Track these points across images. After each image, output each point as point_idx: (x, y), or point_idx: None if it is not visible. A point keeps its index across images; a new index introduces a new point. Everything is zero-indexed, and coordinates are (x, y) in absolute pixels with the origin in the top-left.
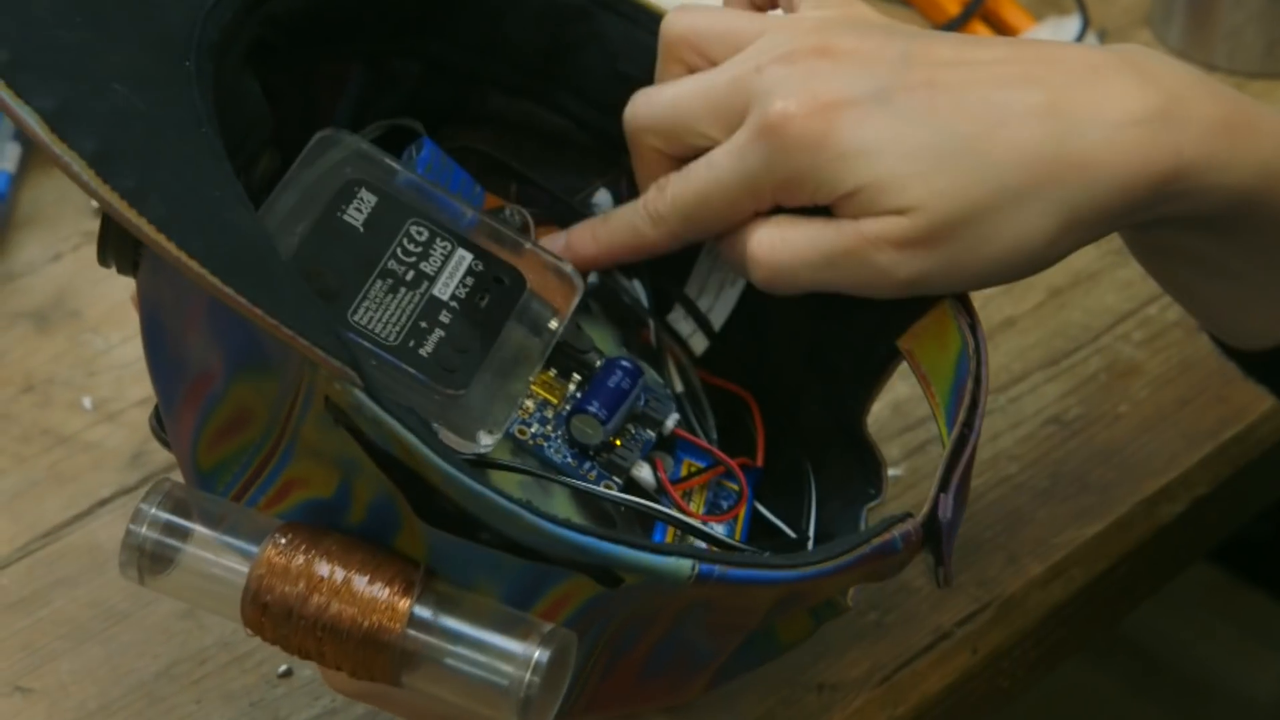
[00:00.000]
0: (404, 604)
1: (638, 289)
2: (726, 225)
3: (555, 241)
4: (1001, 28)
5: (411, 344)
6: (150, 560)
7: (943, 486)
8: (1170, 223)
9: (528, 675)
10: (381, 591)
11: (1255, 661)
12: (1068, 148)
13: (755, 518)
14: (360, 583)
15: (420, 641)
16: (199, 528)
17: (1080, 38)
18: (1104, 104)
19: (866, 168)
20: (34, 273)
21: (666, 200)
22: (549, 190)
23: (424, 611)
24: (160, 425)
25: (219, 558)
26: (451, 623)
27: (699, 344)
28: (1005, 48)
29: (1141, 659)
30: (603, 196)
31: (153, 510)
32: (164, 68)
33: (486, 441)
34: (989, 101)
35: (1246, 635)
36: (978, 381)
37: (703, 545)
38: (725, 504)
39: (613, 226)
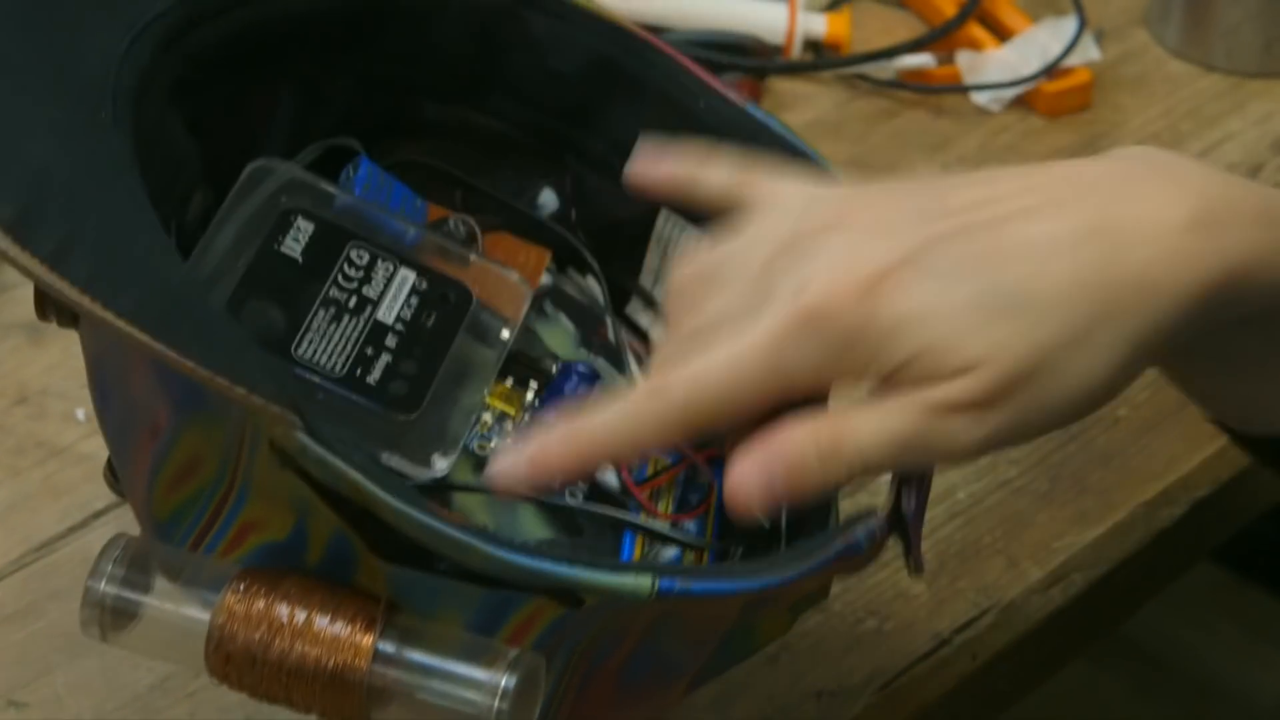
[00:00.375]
0: (367, 640)
1: (592, 285)
2: (741, 420)
3: (518, 453)
4: (998, 29)
5: (359, 372)
6: (112, 616)
7: (905, 479)
8: (1220, 327)
9: (496, 702)
10: (344, 629)
11: (1259, 661)
12: (1119, 270)
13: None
14: (322, 622)
15: (387, 677)
16: (158, 580)
17: (1077, 38)
18: (1144, 217)
19: (919, 334)
20: (27, 284)
21: (676, 399)
22: (494, 195)
23: (388, 646)
24: (114, 476)
25: (180, 609)
26: (417, 655)
27: (659, 335)
28: (1020, 178)
29: (1144, 659)
30: (547, 196)
31: (110, 566)
32: (79, 117)
33: (442, 465)
34: (1027, 238)
35: (1250, 634)
36: None
37: (671, 551)
38: (696, 498)
39: (594, 431)
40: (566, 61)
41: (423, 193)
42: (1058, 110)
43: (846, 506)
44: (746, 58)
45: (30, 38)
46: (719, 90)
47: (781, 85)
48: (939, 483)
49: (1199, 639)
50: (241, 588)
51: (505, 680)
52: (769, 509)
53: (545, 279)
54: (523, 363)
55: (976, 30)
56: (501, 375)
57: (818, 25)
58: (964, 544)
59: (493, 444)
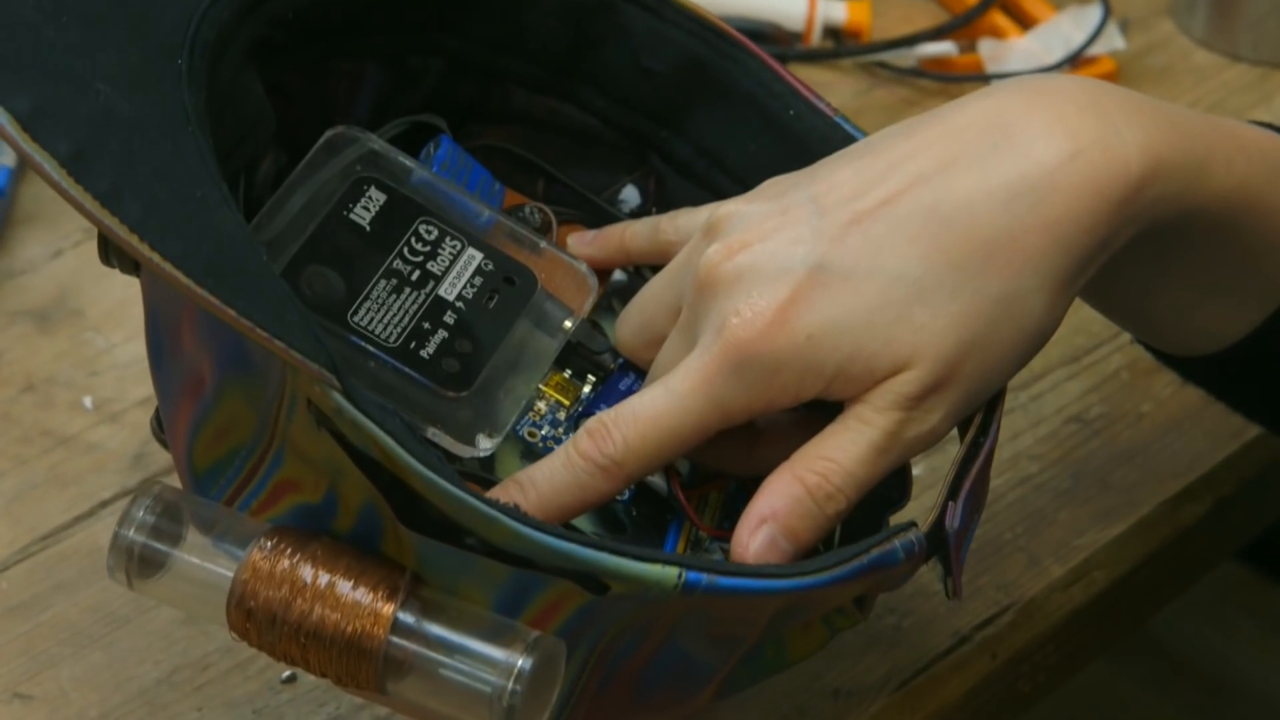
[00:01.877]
0: (388, 609)
1: None
2: (687, 452)
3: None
4: (1021, 17)
5: (413, 345)
6: (139, 564)
7: (951, 494)
8: (1144, 240)
9: (510, 683)
10: (366, 597)
11: None
12: (1023, 217)
13: None
14: (344, 588)
15: (404, 648)
16: (189, 532)
17: (1101, 27)
18: (1032, 156)
19: (839, 346)
20: (35, 270)
21: (618, 446)
22: (575, 188)
23: (408, 618)
24: (160, 427)
25: (207, 562)
26: (436, 629)
27: None
28: (901, 141)
29: (1164, 657)
30: (629, 193)
31: (141, 513)
32: (154, 66)
33: (486, 445)
34: (922, 208)
35: (1271, 633)
36: (995, 396)
37: (714, 559)
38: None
39: (543, 491)
40: (659, 59)
41: (504, 179)
42: None
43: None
44: (766, 45)
45: None
46: (810, 99)
47: (801, 73)
48: None
49: (1219, 637)
50: (269, 545)
51: (522, 661)
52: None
53: (618, 275)
54: (583, 355)
55: (999, 18)
56: (560, 365)
57: (838, 12)
58: (984, 541)
59: (543, 431)
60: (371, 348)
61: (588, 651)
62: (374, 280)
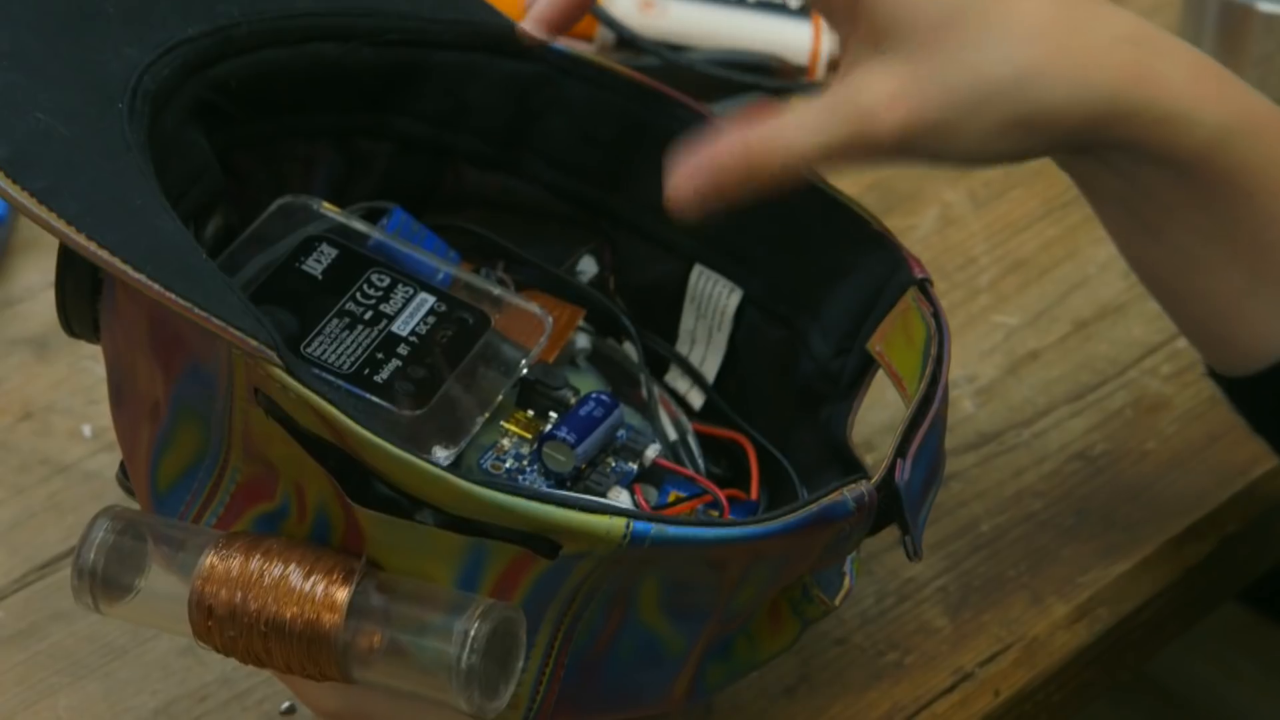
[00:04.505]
0: (342, 594)
1: (630, 350)
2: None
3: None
4: None
5: (366, 371)
6: (104, 587)
7: (899, 452)
8: (1139, 159)
9: (465, 651)
10: (319, 584)
11: None
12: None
13: None
14: (298, 577)
15: (363, 631)
16: (151, 549)
17: None
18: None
19: None
20: (33, 298)
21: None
22: (534, 263)
23: (363, 600)
24: (125, 475)
25: (173, 578)
26: (392, 609)
27: (697, 399)
28: None
29: (1164, 698)
30: (586, 263)
31: (101, 534)
32: (93, 107)
33: (441, 455)
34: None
35: (1271, 674)
36: (939, 360)
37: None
38: None
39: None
40: (601, 126)
41: (469, 260)
42: None
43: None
44: (770, 78)
45: (57, 40)
46: None
47: None
48: (962, 515)
49: (1219, 678)
50: (224, 547)
51: (475, 627)
52: (702, 209)
53: (581, 340)
54: (541, 393)
55: None
56: (523, 405)
57: None
58: (987, 577)
59: (507, 464)
60: (327, 375)
61: (552, 631)
62: (326, 319)
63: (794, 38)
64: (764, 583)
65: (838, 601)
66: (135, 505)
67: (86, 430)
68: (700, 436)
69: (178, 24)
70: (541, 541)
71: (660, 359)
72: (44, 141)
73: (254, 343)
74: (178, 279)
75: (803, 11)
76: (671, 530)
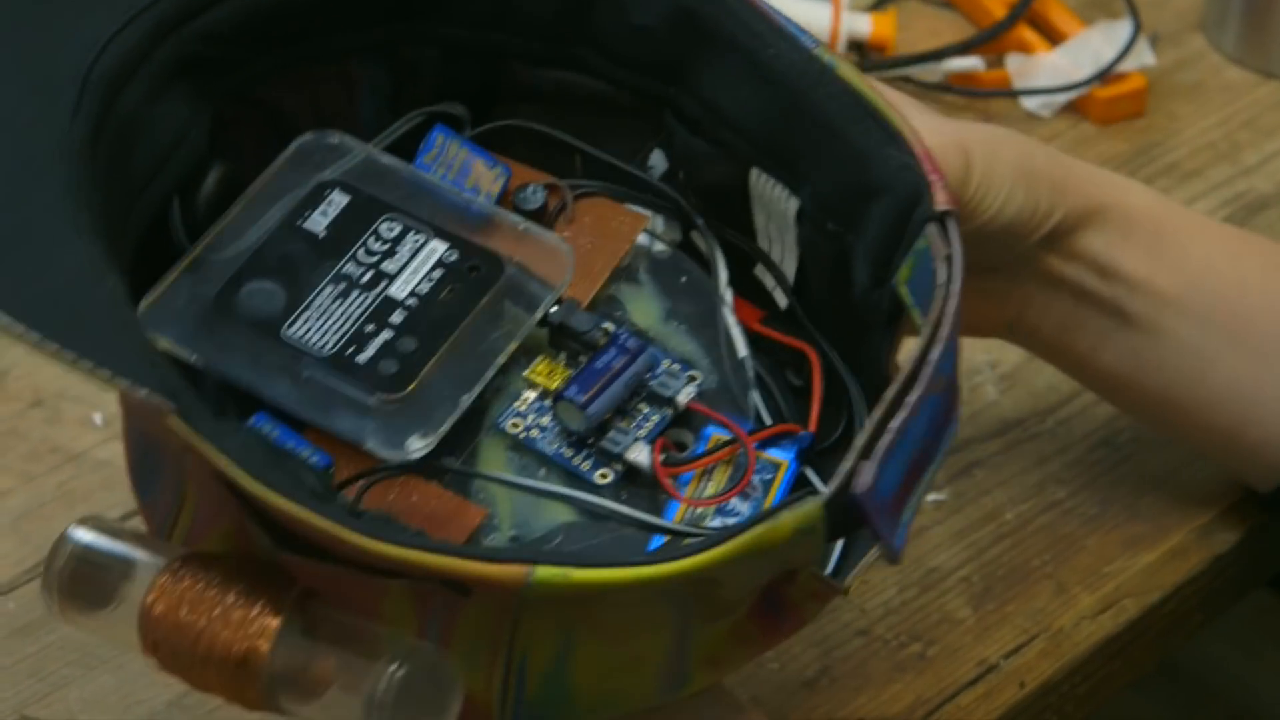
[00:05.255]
0: (273, 624)
1: (715, 251)
2: None
3: None
4: (1049, 31)
5: (349, 351)
6: (71, 600)
7: (864, 452)
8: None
9: (378, 692)
10: (252, 612)
11: None
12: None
13: (804, 483)
14: (235, 605)
15: (289, 662)
16: (119, 564)
17: (1131, 43)
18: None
19: None
20: None
21: None
22: (604, 159)
23: (292, 632)
24: None
25: (134, 593)
26: (319, 644)
27: (782, 299)
28: None
29: (1190, 685)
30: (656, 158)
31: (71, 545)
32: (31, 106)
33: (417, 446)
34: None
35: None
36: (936, 325)
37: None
38: (768, 477)
39: None
40: (649, 14)
41: (538, 159)
42: (1110, 117)
43: None
44: None
45: (1, 24)
46: (789, 32)
47: None
48: (985, 503)
49: (1245, 665)
50: (176, 568)
51: (392, 669)
52: None
53: (644, 240)
54: (568, 335)
55: (1027, 33)
56: (555, 350)
57: (862, 26)
58: (1011, 567)
59: (528, 420)
60: (305, 360)
61: (505, 660)
62: (318, 289)
63: (813, 18)
64: (733, 593)
65: (848, 581)
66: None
67: (97, 418)
68: (775, 345)
69: None
70: (453, 584)
71: (744, 257)
72: None
73: (143, 392)
74: (62, 326)
75: None
76: (577, 574)
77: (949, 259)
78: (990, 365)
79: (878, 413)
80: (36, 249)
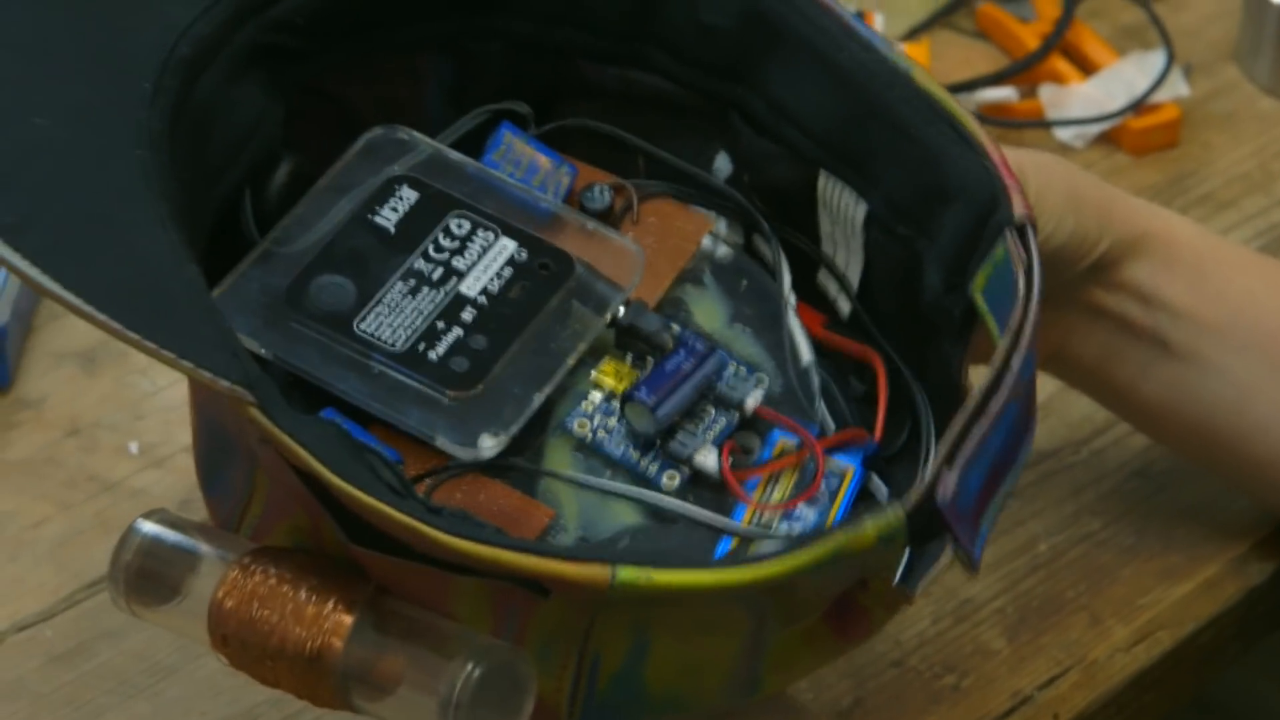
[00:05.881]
0: (346, 620)
1: (777, 254)
2: None
3: None
4: (1082, 62)
5: (421, 347)
6: (137, 593)
7: (948, 459)
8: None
9: (455, 692)
10: (325, 608)
11: None
12: None
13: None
14: (308, 601)
15: (362, 659)
16: (185, 558)
17: (1165, 73)
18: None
19: None
20: None
21: None
22: (668, 160)
23: (365, 628)
24: None
25: (202, 587)
26: (393, 641)
27: (845, 306)
28: None
29: (1224, 718)
30: (721, 160)
31: (139, 539)
32: (107, 94)
33: (489, 444)
34: None
35: None
36: (1017, 334)
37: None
38: (834, 484)
39: None
40: (719, 13)
41: (601, 159)
42: (1144, 148)
43: None
44: None
45: (83, 15)
46: (862, 35)
47: None
48: (1020, 534)
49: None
50: (247, 563)
51: (469, 669)
52: None
53: (708, 244)
54: (637, 336)
55: (1060, 63)
56: (622, 351)
57: None
58: (1046, 598)
59: (595, 421)
60: (376, 355)
61: (577, 661)
62: (389, 284)
63: None
64: (808, 600)
65: (920, 587)
66: None
67: (133, 447)
68: (839, 351)
69: None
70: (530, 584)
71: (805, 264)
72: (29, 158)
73: (225, 383)
74: (144, 314)
75: None
76: (660, 575)
77: (1029, 268)
78: None
79: (960, 420)
80: (118, 236)
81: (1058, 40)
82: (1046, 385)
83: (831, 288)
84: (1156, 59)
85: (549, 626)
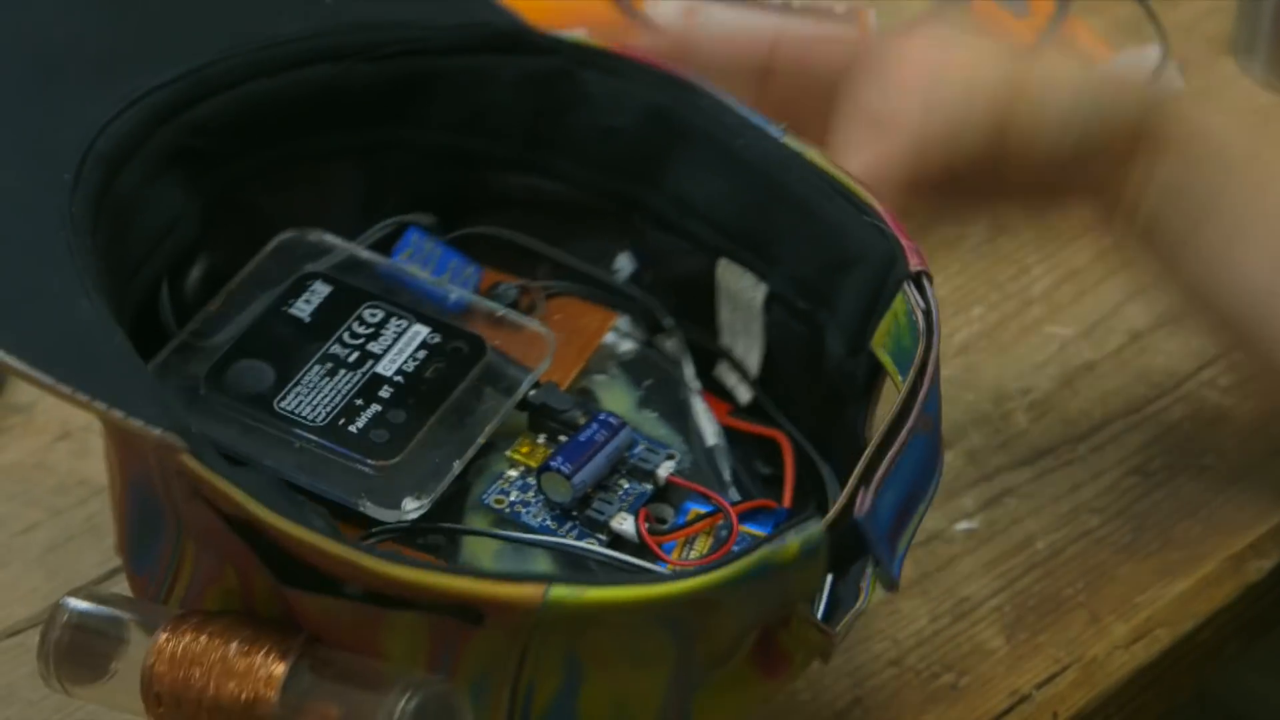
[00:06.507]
0: (279, 670)
1: (679, 348)
2: None
3: None
4: None
5: (341, 422)
6: (70, 669)
7: (863, 479)
8: None
9: None
10: (257, 660)
11: None
12: None
13: None
14: (238, 655)
15: (298, 708)
16: (116, 632)
17: (1160, 67)
18: None
19: None
20: None
21: None
22: (569, 264)
23: (299, 676)
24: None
25: (134, 658)
26: (327, 685)
27: (744, 394)
28: None
29: (1223, 715)
30: (623, 261)
31: (67, 615)
32: (33, 182)
33: (412, 506)
34: None
35: None
36: (921, 369)
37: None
38: (737, 549)
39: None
40: (622, 117)
41: (505, 264)
42: None
43: None
44: None
45: (9, 109)
46: (756, 124)
47: None
48: (1016, 532)
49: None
50: (174, 627)
51: (403, 702)
52: None
53: (611, 339)
54: (548, 416)
55: None
56: (535, 432)
57: None
58: (1044, 597)
59: (511, 496)
60: (298, 430)
61: (510, 695)
62: (307, 367)
63: None
64: (732, 628)
65: (840, 628)
66: None
67: None
68: (744, 435)
69: (146, 72)
70: (466, 611)
71: (706, 355)
72: None
73: (156, 431)
74: (76, 370)
75: (847, 16)
76: (591, 592)
77: (926, 311)
78: (1022, 392)
79: (871, 447)
80: (49, 302)
81: (1052, 35)
82: (1043, 384)
83: (730, 378)
84: (1151, 54)
85: (482, 659)
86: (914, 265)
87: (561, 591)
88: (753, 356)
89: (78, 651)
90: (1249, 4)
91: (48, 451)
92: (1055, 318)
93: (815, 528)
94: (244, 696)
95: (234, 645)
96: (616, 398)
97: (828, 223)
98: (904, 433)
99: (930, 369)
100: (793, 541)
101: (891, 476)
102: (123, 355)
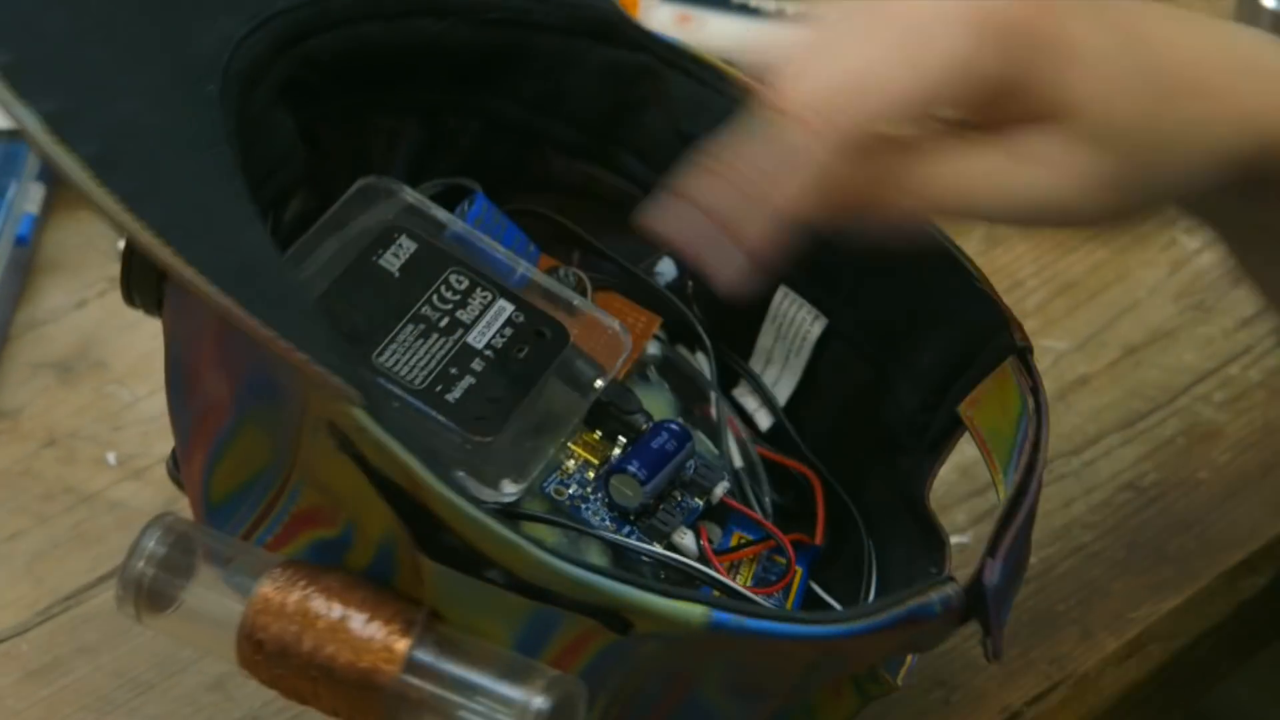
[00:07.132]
0: (401, 645)
1: (702, 361)
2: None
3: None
4: None
5: (439, 389)
6: (148, 597)
7: (990, 551)
8: None
9: None
10: (379, 631)
11: None
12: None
13: (811, 597)
14: (357, 622)
15: (418, 687)
16: (201, 564)
17: None
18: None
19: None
20: (57, 320)
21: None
22: (612, 258)
23: (423, 654)
24: (176, 467)
25: (219, 596)
26: (451, 667)
27: (764, 420)
28: None
29: None
30: (666, 265)
31: (152, 544)
32: (183, 89)
33: (510, 489)
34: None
35: None
36: (1036, 446)
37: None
38: (774, 578)
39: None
40: (700, 125)
41: (539, 245)
42: None
43: None
44: None
45: (146, 12)
46: None
47: None
48: None
49: (1273, 712)
50: (281, 577)
51: (539, 701)
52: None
53: (653, 347)
54: (614, 415)
55: None
56: (591, 426)
57: None
58: (1036, 612)
59: (570, 490)
60: (396, 389)
61: (609, 699)
62: (401, 324)
63: None
64: (835, 669)
65: (899, 680)
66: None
67: (111, 458)
68: (765, 462)
69: None
70: (614, 618)
71: (729, 372)
72: (131, 134)
73: (337, 380)
74: (263, 305)
75: None
76: (750, 624)
77: (1034, 389)
78: None
79: (999, 518)
80: (222, 225)
81: None
82: None
83: (751, 402)
84: None
85: (599, 658)
86: (1019, 340)
87: (723, 617)
88: (784, 386)
89: (155, 582)
90: (1247, 13)
91: (34, 458)
92: (1049, 331)
93: (954, 589)
94: (362, 665)
95: (351, 610)
96: (658, 405)
97: (917, 279)
98: (1024, 509)
99: (1043, 449)
100: (934, 600)
101: (1010, 550)
102: (297, 292)
